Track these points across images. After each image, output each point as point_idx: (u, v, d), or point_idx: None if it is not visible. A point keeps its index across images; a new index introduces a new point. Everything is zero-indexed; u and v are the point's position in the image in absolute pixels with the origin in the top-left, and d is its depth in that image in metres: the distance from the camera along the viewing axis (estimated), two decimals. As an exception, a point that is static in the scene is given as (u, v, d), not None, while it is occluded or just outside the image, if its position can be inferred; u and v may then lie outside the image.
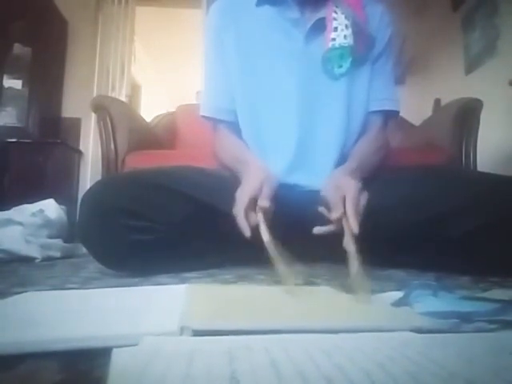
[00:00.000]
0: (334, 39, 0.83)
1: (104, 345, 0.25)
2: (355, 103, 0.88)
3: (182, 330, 0.27)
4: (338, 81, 0.86)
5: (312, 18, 0.86)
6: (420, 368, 0.20)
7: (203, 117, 0.95)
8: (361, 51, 0.85)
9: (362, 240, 0.74)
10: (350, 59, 0.84)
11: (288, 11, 0.87)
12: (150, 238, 0.70)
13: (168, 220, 0.72)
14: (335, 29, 0.83)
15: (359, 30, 0.83)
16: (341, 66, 0.84)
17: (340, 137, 0.86)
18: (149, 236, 0.70)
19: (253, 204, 0.66)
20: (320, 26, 0.85)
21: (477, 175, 0.87)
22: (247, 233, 0.62)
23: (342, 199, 0.63)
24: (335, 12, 0.84)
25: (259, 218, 0.62)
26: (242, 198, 0.67)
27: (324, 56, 0.84)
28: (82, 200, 0.73)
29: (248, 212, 0.65)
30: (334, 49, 0.83)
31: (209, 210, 0.76)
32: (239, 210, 0.65)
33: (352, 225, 0.58)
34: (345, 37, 0.82)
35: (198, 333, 0.27)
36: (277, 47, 0.87)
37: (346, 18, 0.83)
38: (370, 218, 0.63)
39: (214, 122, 0.95)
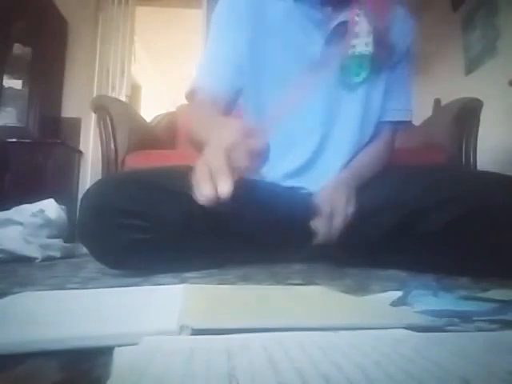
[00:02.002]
0: (354, 46, 0.78)
1: (103, 344, 0.25)
2: (370, 111, 0.85)
3: (182, 329, 0.27)
4: (355, 89, 0.82)
5: (333, 19, 0.79)
6: (416, 366, 0.21)
7: (192, 93, 0.83)
8: (380, 61, 0.80)
9: (354, 242, 0.76)
10: (369, 69, 0.79)
11: (311, 10, 0.80)
12: (150, 238, 0.70)
13: (168, 220, 0.72)
14: (357, 34, 0.78)
15: (381, 38, 0.79)
16: (358, 75, 0.80)
17: (353, 144, 0.85)
18: (148, 236, 0.70)
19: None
20: (341, 30, 0.79)
21: (461, 172, 0.89)
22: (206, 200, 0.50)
23: (330, 212, 0.68)
24: (357, 15, 0.78)
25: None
26: (214, 152, 0.52)
27: (342, 63, 0.79)
28: (82, 199, 0.73)
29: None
30: (353, 56, 0.79)
31: (208, 209, 0.75)
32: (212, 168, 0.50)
33: (332, 234, 0.66)
34: (366, 44, 0.78)
35: (197, 331, 0.27)
36: (296, 48, 0.81)
37: (368, 23, 0.78)
38: (360, 219, 0.67)
39: (205, 100, 0.80)
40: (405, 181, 0.76)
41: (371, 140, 0.88)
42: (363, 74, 0.80)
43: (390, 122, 0.89)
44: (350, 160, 0.85)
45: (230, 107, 0.85)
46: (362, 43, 0.78)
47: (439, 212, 0.68)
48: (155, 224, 0.71)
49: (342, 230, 0.67)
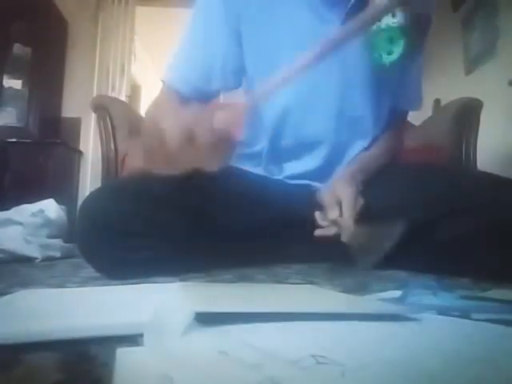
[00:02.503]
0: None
1: (104, 333, 0.26)
2: (385, 101, 0.79)
3: None
4: (386, 71, 0.71)
5: None
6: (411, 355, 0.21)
7: (164, 82, 0.81)
8: (414, 32, 0.70)
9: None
10: (402, 42, 0.68)
11: None
12: (149, 248, 0.68)
13: (167, 231, 0.69)
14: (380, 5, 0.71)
15: (411, 7, 0.69)
16: (390, 53, 0.69)
17: (365, 143, 0.81)
18: (147, 244, 0.68)
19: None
20: (361, 5, 0.70)
21: (477, 175, 0.86)
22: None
23: (338, 203, 0.64)
24: None
25: None
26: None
27: (368, 42, 0.69)
28: (79, 211, 0.69)
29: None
30: (379, 31, 0.68)
31: (207, 215, 0.73)
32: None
33: (347, 224, 0.60)
34: (393, 15, 0.67)
35: (197, 318, 0.28)
36: (306, 29, 0.71)
37: None
38: (368, 219, 0.64)
39: (174, 93, 0.78)
40: (422, 183, 0.72)
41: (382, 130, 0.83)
42: (397, 50, 0.68)
43: (401, 111, 0.85)
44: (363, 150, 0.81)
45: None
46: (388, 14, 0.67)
47: (454, 221, 0.66)
48: (155, 235, 0.67)
49: (352, 224, 0.62)
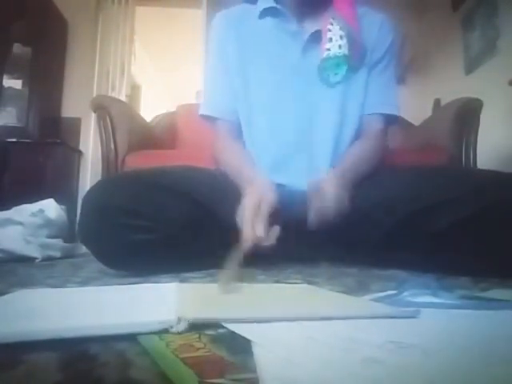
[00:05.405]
0: (328, 49, 0.87)
1: (104, 333, 0.26)
2: (350, 107, 0.91)
3: (179, 320, 0.28)
4: (334, 88, 0.90)
5: (309, 30, 0.90)
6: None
7: (202, 116, 0.97)
8: (355, 60, 0.89)
9: (355, 241, 0.76)
10: (346, 67, 0.88)
11: (287, 24, 0.91)
12: (151, 238, 0.70)
13: (168, 219, 0.72)
14: (330, 40, 0.87)
15: (353, 40, 0.88)
16: (336, 74, 0.89)
17: (334, 140, 0.89)
18: (149, 235, 0.70)
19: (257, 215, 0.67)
20: (316, 38, 0.89)
21: (464, 170, 0.89)
22: (248, 242, 0.62)
23: (321, 204, 0.69)
24: (331, 24, 0.88)
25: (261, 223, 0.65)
26: (244, 214, 0.67)
27: (320, 65, 0.89)
28: (84, 199, 0.73)
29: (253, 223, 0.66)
30: (328, 58, 0.88)
31: (208, 210, 0.76)
32: (246, 223, 0.65)
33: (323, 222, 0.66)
34: (339, 47, 0.87)
35: (193, 321, 0.29)
36: (276, 58, 0.91)
37: (340, 29, 0.87)
38: (360, 218, 0.67)
39: (214, 121, 0.96)
40: (415, 178, 0.77)
41: (358, 133, 0.92)
42: (341, 73, 0.89)
43: (377, 115, 0.93)
44: (338, 154, 0.89)
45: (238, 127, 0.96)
46: (335, 46, 0.87)
47: (449, 211, 0.68)
48: (156, 224, 0.71)
49: (333, 220, 0.68)
